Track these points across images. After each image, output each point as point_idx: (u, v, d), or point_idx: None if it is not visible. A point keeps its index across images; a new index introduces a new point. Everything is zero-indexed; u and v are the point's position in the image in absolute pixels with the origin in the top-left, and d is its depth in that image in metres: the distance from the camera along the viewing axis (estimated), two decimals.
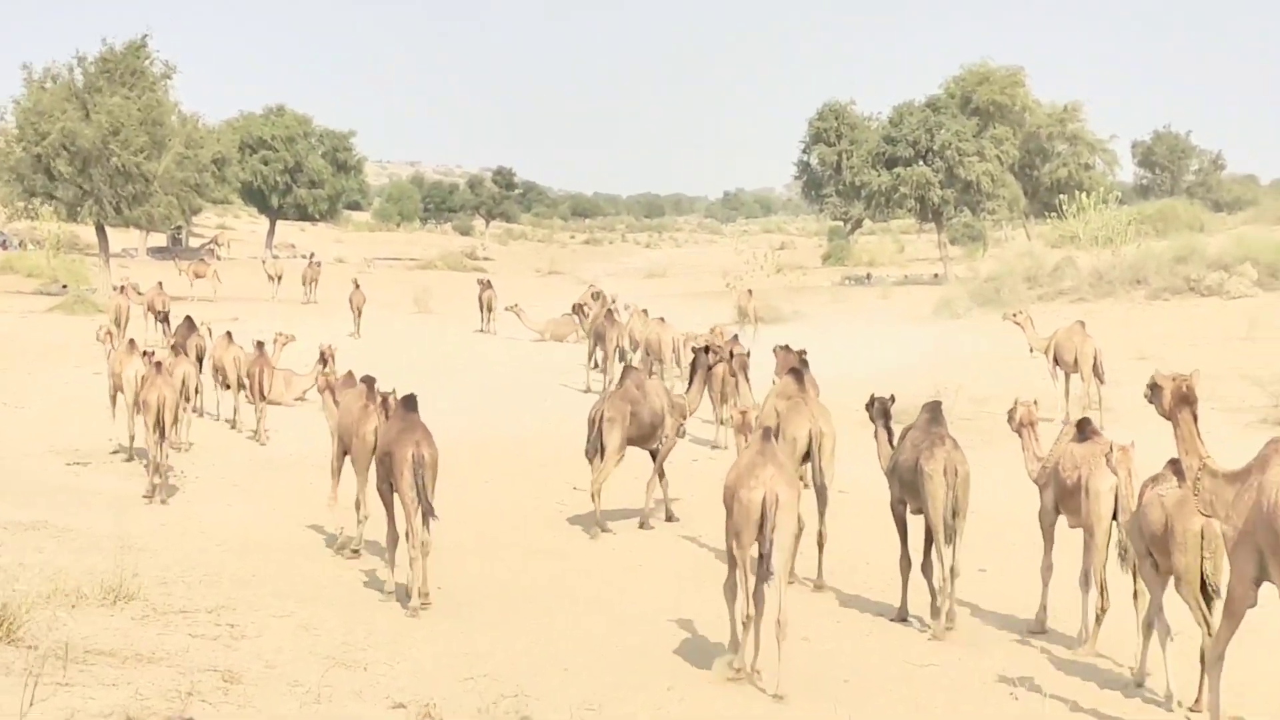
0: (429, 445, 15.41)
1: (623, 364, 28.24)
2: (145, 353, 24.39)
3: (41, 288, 57.64)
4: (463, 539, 18.91)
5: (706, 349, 21.91)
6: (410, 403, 15.93)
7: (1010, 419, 16.10)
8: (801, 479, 16.87)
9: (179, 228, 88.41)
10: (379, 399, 17.25)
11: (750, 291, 49.62)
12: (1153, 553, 12.80)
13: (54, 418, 27.28)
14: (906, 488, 15.52)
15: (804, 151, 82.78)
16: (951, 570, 14.99)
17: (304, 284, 59.73)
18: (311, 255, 73.69)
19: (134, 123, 58.76)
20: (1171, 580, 12.77)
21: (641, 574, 18.04)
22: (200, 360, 27.66)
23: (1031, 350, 30.53)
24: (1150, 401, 11.95)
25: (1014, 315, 31.90)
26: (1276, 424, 25.82)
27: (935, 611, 15.25)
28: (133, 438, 23.75)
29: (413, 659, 13.12)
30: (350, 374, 27.75)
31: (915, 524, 15.62)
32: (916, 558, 15.61)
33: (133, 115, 58.71)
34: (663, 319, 35.18)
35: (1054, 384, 29.10)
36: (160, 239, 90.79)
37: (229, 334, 29.70)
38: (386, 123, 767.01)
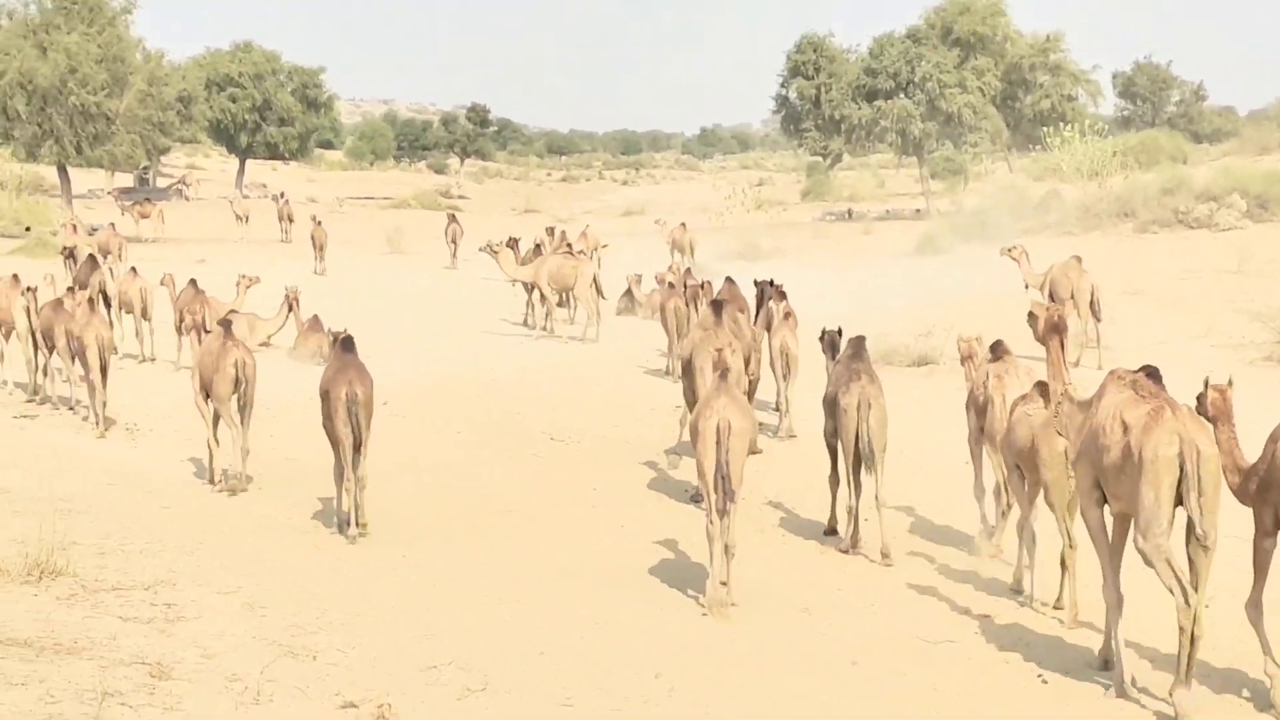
0: (362, 384, 15.95)
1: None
2: (28, 288, 24.06)
3: (2, 230, 56.10)
4: (428, 497, 17.98)
5: (770, 282, 22.89)
6: (348, 344, 16.42)
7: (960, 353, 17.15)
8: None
9: (145, 168, 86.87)
10: (331, 337, 17.78)
11: (684, 225, 49.45)
12: (1020, 467, 13.82)
13: (7, 367, 25.60)
14: (830, 419, 16.31)
15: (782, 85, 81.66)
16: (876, 498, 15.61)
17: (280, 221, 58.43)
18: (282, 194, 72.45)
19: (92, 60, 57.60)
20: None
21: (624, 536, 16.82)
22: (106, 299, 26.79)
23: (1027, 286, 29.62)
24: (1030, 327, 13.21)
25: (1009, 250, 31.18)
26: None
27: (848, 531, 16.17)
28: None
29: (368, 644, 11.66)
30: (316, 317, 26.90)
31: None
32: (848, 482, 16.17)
33: (91, 53, 57.59)
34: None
35: None
36: (128, 179, 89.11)
37: (134, 269, 29.42)
38: (358, 60, 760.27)
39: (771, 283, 23.15)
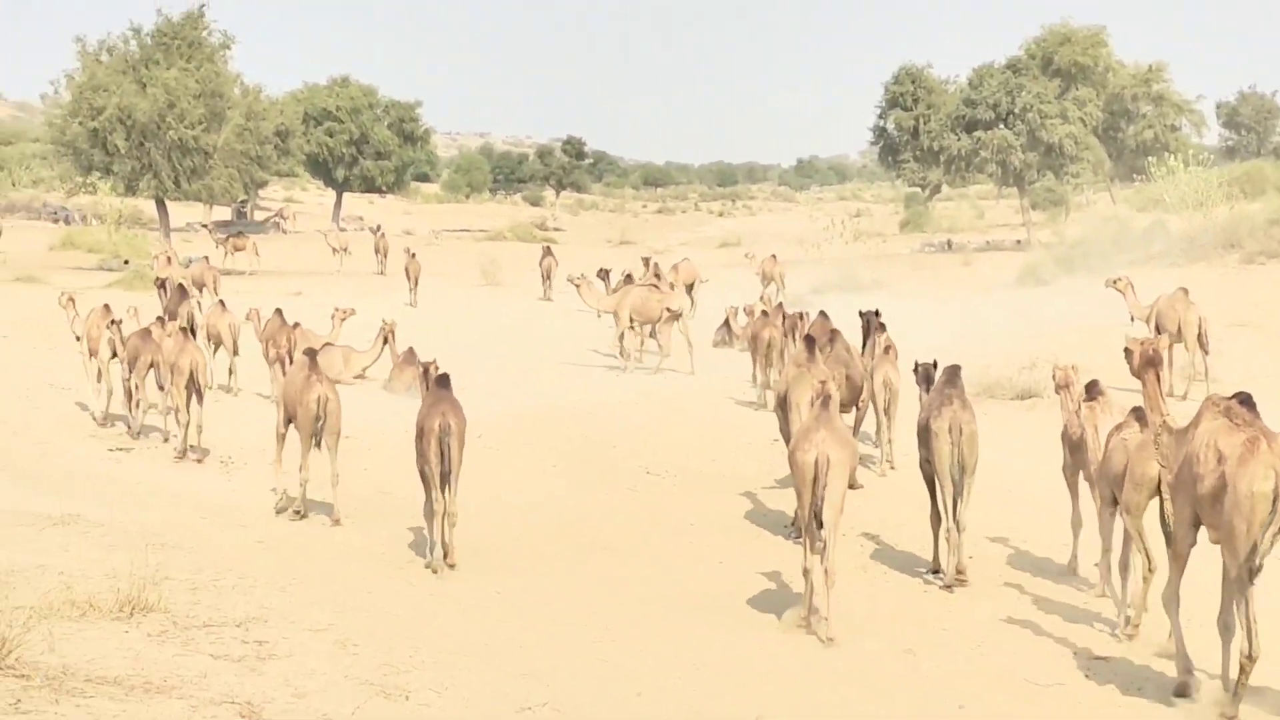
0: (455, 417, 15.99)
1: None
2: (113, 321, 24.16)
3: (102, 263, 56.34)
4: (522, 531, 17.74)
5: (875, 313, 22.86)
6: (444, 380, 16.54)
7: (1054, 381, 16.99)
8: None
9: (243, 201, 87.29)
10: (421, 369, 17.82)
11: (774, 257, 48.83)
12: (1115, 493, 13.97)
13: (104, 398, 25.49)
14: (923, 446, 16.28)
15: (880, 116, 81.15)
16: (957, 524, 15.69)
17: (377, 254, 58.51)
18: (378, 227, 72.62)
19: (190, 95, 57.79)
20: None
21: (723, 573, 16.41)
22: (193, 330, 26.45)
23: (1133, 319, 29.06)
24: (1126, 362, 13.29)
25: (1115, 282, 30.61)
26: None
27: (935, 561, 16.27)
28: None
29: (462, 683, 11.37)
30: (411, 350, 26.78)
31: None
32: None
33: (189, 88, 57.80)
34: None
35: None
36: (226, 213, 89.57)
37: (221, 302, 29.32)
38: (455, 94, 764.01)
39: (876, 313, 22.82)
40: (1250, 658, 11.06)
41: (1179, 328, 27.26)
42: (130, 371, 23.18)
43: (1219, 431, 11.23)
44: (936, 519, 16.29)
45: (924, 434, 16.17)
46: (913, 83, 78.93)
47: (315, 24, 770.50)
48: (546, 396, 26.94)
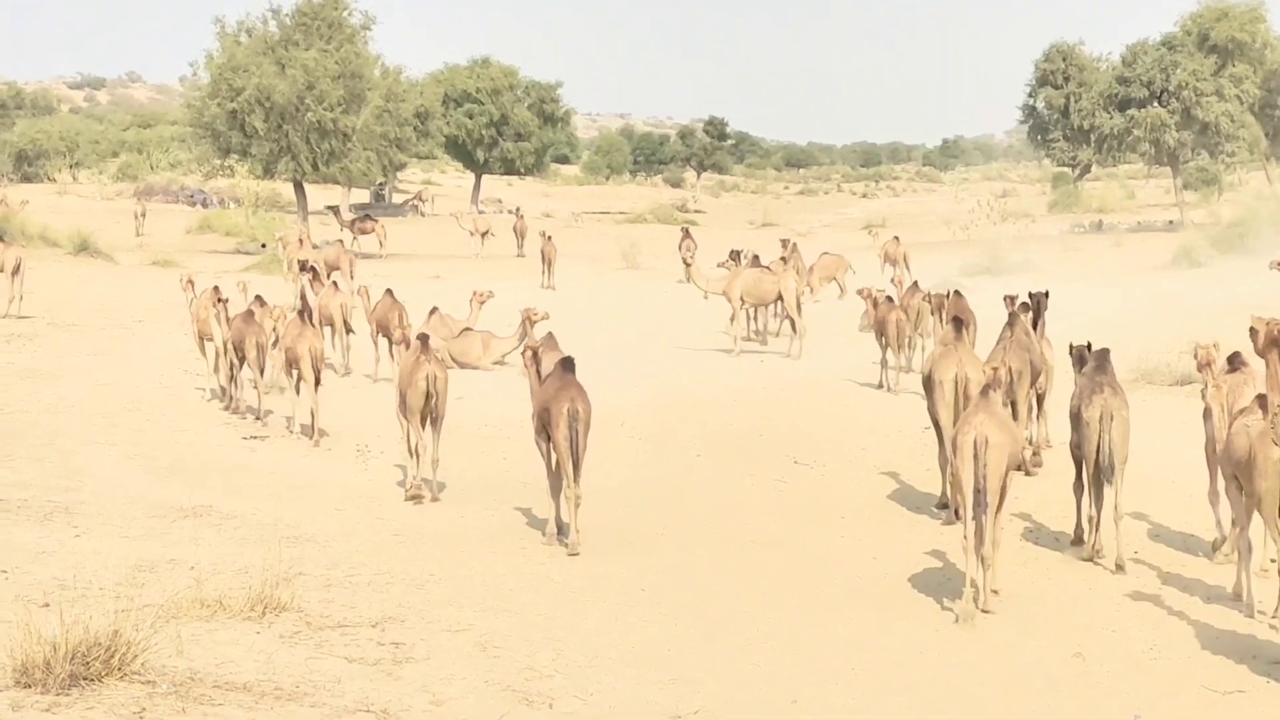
0: (583, 401, 15.93)
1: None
2: (219, 299, 24.11)
3: (239, 246, 56.67)
4: (667, 525, 17.11)
5: (1046, 294, 21.83)
6: (569, 364, 16.36)
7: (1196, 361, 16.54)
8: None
9: (382, 184, 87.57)
10: (529, 353, 17.44)
11: (897, 239, 48.02)
12: (1238, 477, 13.63)
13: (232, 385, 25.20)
14: (1075, 431, 16.17)
15: (1030, 95, 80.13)
16: (1116, 509, 15.59)
17: (516, 236, 58.67)
18: (517, 209, 72.40)
19: (330, 77, 57.98)
20: None
21: (878, 569, 15.73)
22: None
23: None
24: (1251, 341, 13.86)
25: (1279, 263, 29.32)
26: None
27: (1091, 540, 16.00)
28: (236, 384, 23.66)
29: (608, 689, 10.91)
30: (550, 335, 26.43)
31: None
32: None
33: (329, 69, 58.08)
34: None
35: None
36: (364, 196, 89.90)
37: (334, 283, 29.49)
38: (595, 74, 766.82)
39: (1046, 294, 22.01)
40: None
41: None
42: (233, 351, 23.23)
43: None
44: (1080, 489, 16.26)
45: (1076, 421, 16.06)
46: (1064, 60, 78.10)
47: (457, 4, 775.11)
48: (689, 383, 26.35)
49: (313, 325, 22.55)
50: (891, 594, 14.69)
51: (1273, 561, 14.05)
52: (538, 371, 16.89)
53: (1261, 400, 13.43)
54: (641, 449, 21.05)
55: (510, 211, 75.50)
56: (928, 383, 18.30)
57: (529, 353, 17.25)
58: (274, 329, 23.21)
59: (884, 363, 26.65)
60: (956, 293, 24.07)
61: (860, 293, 30.07)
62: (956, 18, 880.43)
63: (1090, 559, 15.76)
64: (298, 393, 21.91)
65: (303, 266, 33.18)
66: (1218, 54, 74.14)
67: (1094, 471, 15.76)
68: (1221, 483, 14.96)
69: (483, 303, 28.83)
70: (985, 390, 14.49)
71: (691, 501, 18.40)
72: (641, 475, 19.56)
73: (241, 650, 10.59)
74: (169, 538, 14.69)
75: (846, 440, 22.03)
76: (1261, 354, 13.31)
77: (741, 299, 31.26)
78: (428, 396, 17.89)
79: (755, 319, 33.65)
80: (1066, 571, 15.70)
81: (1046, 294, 21.99)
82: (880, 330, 26.56)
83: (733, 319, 31.41)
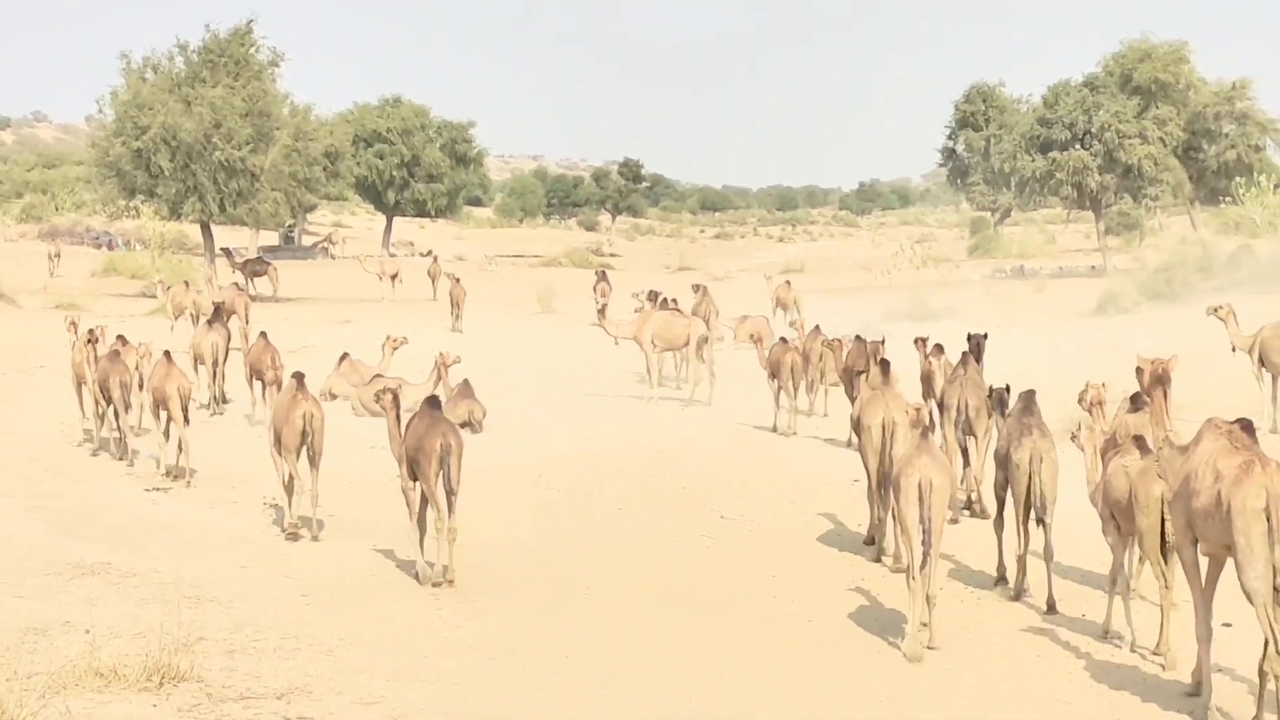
0: (455, 435, 16.15)
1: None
2: (89, 340, 23.99)
3: (145, 290, 55.45)
4: (592, 586, 16.45)
5: (985, 336, 22.07)
6: (434, 402, 16.91)
7: (1080, 400, 16.95)
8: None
9: (291, 226, 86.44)
10: (389, 396, 17.31)
11: (789, 283, 48.71)
12: (1115, 516, 14.27)
13: (142, 437, 24.43)
14: (1000, 471, 16.43)
15: (949, 137, 79.88)
16: (1046, 548, 15.71)
17: (430, 279, 57.81)
18: (429, 252, 71.49)
19: (238, 114, 57.25)
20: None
21: (813, 634, 15.00)
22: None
23: (1234, 348, 27.19)
24: (1137, 380, 14.71)
25: (1217, 310, 28.46)
26: None
27: (1000, 577, 16.49)
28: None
29: None
30: (465, 382, 25.66)
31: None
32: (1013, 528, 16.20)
33: (236, 106, 57.43)
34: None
35: (1259, 386, 26.02)
36: (273, 238, 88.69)
37: (208, 323, 29.46)
38: (508, 115, 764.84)
39: (985, 336, 21.87)
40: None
41: None
42: (100, 393, 23.16)
43: (1219, 453, 11.91)
44: (1000, 526, 16.61)
45: (1004, 462, 16.35)
46: (984, 101, 78.32)
47: (367, 42, 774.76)
48: (608, 433, 25.74)
49: (177, 365, 22.31)
50: (828, 661, 14.03)
51: (1164, 593, 14.11)
52: (397, 417, 16.82)
53: (1139, 441, 14.16)
54: (561, 502, 20.64)
55: (423, 254, 74.64)
56: (856, 426, 18.56)
57: (388, 396, 17.08)
58: (137, 367, 23.53)
59: (777, 403, 26.72)
60: (858, 337, 23.72)
61: (751, 336, 29.78)
62: (873, 59, 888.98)
63: (1017, 599, 15.92)
64: (166, 436, 21.91)
65: (217, 309, 32.22)
66: (1141, 95, 74.22)
67: (1024, 513, 15.96)
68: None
69: (395, 349, 28.37)
70: (925, 433, 14.78)
71: (616, 559, 17.73)
72: (562, 531, 19.04)
73: None
74: (64, 597, 13.96)
75: (772, 493, 21.43)
76: (1147, 392, 14.00)
77: (653, 342, 30.74)
78: (304, 434, 18.01)
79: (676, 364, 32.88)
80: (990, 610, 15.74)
81: (985, 335, 21.96)
82: (774, 372, 26.61)
83: (648, 366, 31.00)
